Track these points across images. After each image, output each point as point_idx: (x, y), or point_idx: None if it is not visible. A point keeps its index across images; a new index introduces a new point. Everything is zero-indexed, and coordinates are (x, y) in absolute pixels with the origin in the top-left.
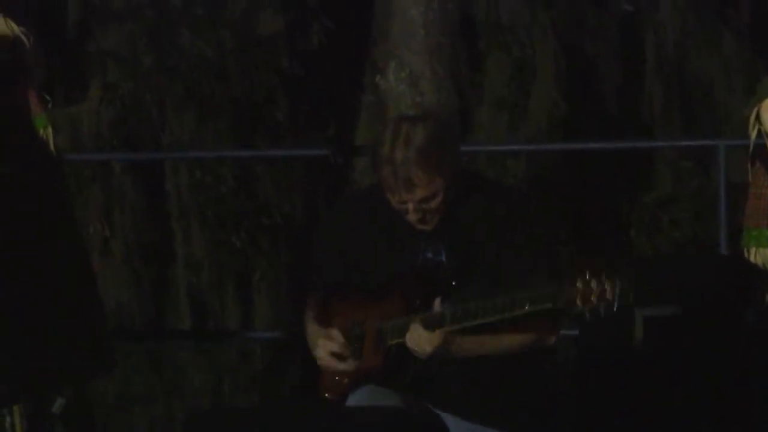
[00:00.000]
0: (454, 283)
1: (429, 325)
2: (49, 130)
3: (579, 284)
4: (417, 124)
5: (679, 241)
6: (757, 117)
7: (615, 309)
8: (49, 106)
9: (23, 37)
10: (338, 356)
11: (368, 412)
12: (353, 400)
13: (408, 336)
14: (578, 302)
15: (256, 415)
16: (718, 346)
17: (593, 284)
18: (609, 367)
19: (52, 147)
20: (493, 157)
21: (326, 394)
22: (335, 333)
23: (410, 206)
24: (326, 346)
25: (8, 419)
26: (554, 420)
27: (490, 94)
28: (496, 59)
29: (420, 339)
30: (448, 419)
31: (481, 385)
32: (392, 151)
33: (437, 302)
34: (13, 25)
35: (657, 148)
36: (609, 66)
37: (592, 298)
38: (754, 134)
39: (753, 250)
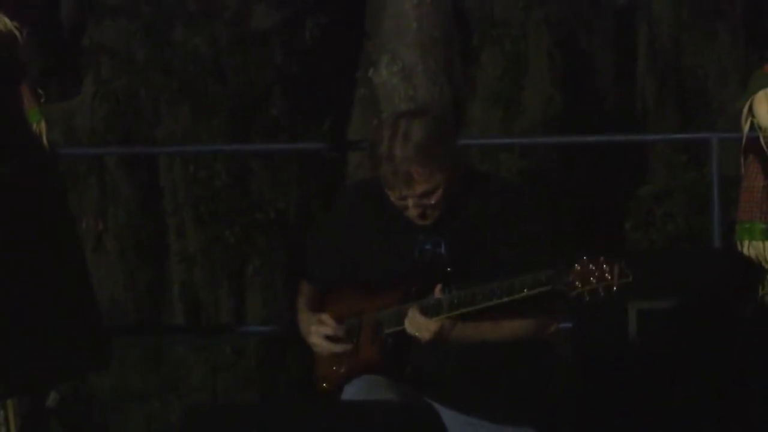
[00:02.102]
0: (449, 270)
1: (427, 312)
2: (42, 124)
3: (577, 267)
4: (414, 119)
5: (673, 234)
6: (750, 110)
7: (615, 290)
8: (42, 100)
9: (15, 32)
10: (332, 339)
11: (366, 408)
12: (350, 392)
13: (407, 322)
14: (577, 284)
15: (253, 411)
16: (712, 340)
17: (592, 266)
18: (602, 361)
19: (45, 141)
20: (486, 151)
21: (323, 384)
22: (325, 317)
23: (410, 202)
24: (319, 331)
25: (2, 413)
26: (551, 414)
27: (484, 89)
28: (490, 53)
29: (419, 325)
30: (445, 413)
31: (479, 378)
32: (391, 148)
33: (437, 289)
34: (6, 20)
35: (651, 141)
36: (603, 60)
37: (591, 280)
38: (746, 127)
39: (746, 242)
